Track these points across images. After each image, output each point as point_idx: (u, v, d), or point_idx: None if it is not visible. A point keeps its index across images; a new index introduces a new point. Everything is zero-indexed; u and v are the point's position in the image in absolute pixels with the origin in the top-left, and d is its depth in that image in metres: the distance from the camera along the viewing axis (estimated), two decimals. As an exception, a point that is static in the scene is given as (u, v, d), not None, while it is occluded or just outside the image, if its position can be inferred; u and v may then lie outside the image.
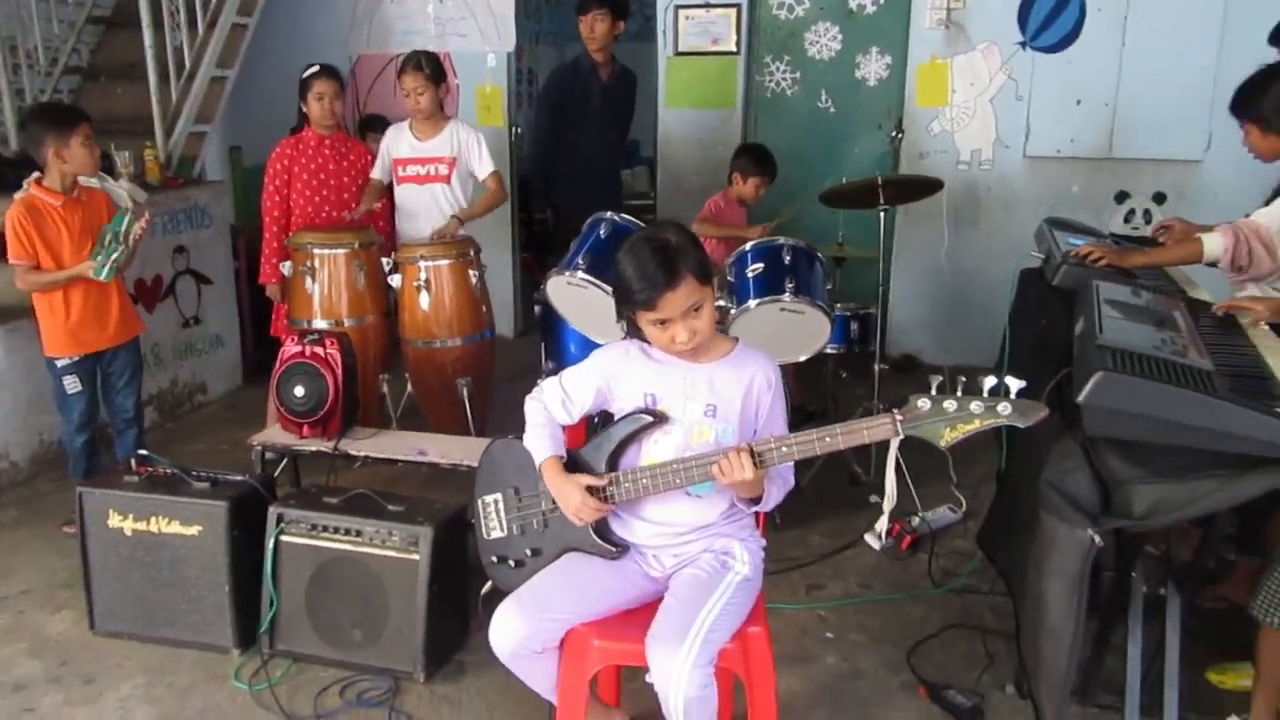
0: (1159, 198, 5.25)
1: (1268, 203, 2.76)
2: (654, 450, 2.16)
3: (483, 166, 4.32)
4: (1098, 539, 1.83)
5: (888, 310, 4.19)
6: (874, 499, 3.88)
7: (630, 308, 2.08)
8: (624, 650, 2.07)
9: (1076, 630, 1.87)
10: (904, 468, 3.81)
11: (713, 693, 1.96)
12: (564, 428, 2.28)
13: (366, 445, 3.51)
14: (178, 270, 4.83)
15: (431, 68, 4.13)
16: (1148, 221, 5.20)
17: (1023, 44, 5.28)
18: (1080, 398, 1.79)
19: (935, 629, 3.02)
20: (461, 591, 2.90)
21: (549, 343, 4.16)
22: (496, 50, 5.97)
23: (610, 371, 2.22)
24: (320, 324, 3.96)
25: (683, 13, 5.66)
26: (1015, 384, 1.79)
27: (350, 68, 6.16)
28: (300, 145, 4.20)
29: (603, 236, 3.47)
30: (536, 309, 4.21)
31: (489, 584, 2.53)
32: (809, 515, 3.68)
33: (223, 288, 5.14)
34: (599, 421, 2.38)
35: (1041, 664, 1.96)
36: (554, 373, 4.38)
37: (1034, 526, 2.02)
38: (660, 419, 2.14)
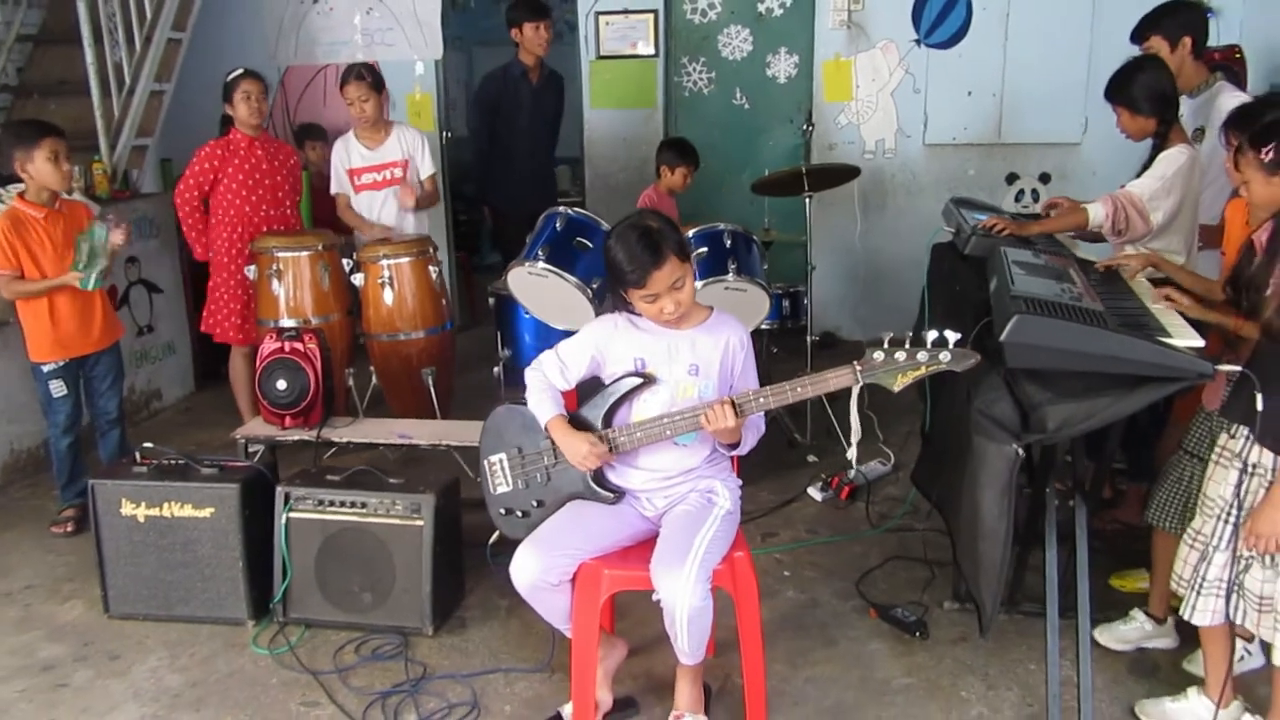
0: (1044, 178, 5.80)
1: (1138, 175, 3.22)
2: (644, 407, 2.50)
3: (425, 167, 4.59)
4: (1020, 452, 2.24)
5: (814, 290, 4.58)
6: (811, 459, 4.29)
7: (623, 287, 2.41)
8: (631, 576, 2.40)
9: (1008, 528, 2.27)
10: (837, 424, 4.25)
11: (710, 605, 2.31)
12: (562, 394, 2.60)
13: (347, 432, 3.76)
14: (131, 280, 4.96)
15: (372, 77, 4.39)
16: (1036, 199, 5.74)
17: (917, 41, 5.77)
18: (1002, 337, 2.19)
19: (878, 562, 3.43)
20: (458, 554, 3.19)
21: (504, 332, 4.46)
22: (425, 58, 6.20)
23: (602, 341, 2.54)
24: (287, 323, 4.17)
25: (603, 18, 5.99)
26: (953, 336, 2.18)
27: (279, 79, 6.31)
28: (230, 148, 4.29)
29: (559, 229, 3.79)
30: (490, 301, 4.51)
31: (495, 535, 2.82)
32: (756, 475, 4.05)
33: (172, 296, 5.28)
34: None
35: (980, 562, 2.36)
36: (510, 360, 4.70)
37: (966, 452, 2.41)
38: (649, 379, 2.48)
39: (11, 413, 4.24)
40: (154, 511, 3.05)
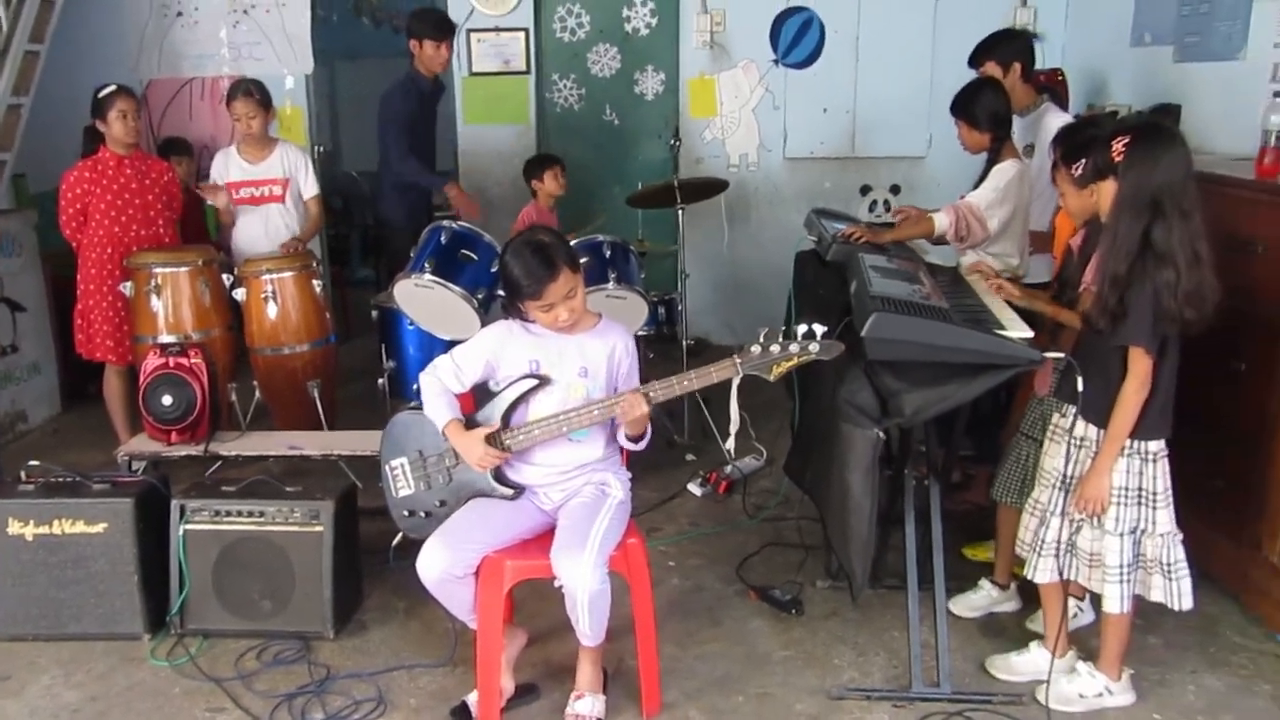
0: (895, 189, 6.21)
1: (975, 186, 3.57)
2: (538, 407, 2.66)
3: (309, 188, 4.63)
4: (881, 435, 2.51)
5: (688, 297, 4.83)
6: (690, 457, 4.53)
7: (520, 299, 2.57)
8: (533, 565, 2.56)
9: (873, 504, 2.54)
10: (713, 425, 4.49)
11: (608, 588, 2.50)
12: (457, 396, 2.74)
13: (236, 446, 3.79)
14: (-8, 299, 4.82)
15: (260, 93, 4.41)
16: (888, 209, 6.14)
17: (776, 61, 6.11)
18: (863, 332, 2.45)
19: (756, 548, 3.67)
20: (356, 559, 3.27)
21: (388, 344, 4.53)
22: (294, 72, 6.20)
23: (497, 346, 2.69)
24: (166, 339, 4.14)
25: (474, 36, 6.12)
26: (820, 329, 2.43)
27: (142, 92, 6.19)
28: (99, 168, 4.24)
29: (444, 242, 3.91)
30: (373, 313, 4.57)
31: (398, 537, 2.93)
32: (638, 474, 4.15)
33: (36, 315, 5.14)
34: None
35: (850, 536, 2.61)
36: (395, 371, 4.77)
37: (834, 439, 2.66)
38: (544, 380, 2.65)
39: None
40: (43, 529, 3.03)
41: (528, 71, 6.19)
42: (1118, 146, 2.46)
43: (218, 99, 6.28)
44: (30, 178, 6.12)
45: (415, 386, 4.31)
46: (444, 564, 2.52)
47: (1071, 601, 3.00)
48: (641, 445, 2.68)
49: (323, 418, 4.27)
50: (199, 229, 5.47)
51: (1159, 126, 2.65)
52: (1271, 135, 3.27)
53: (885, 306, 2.49)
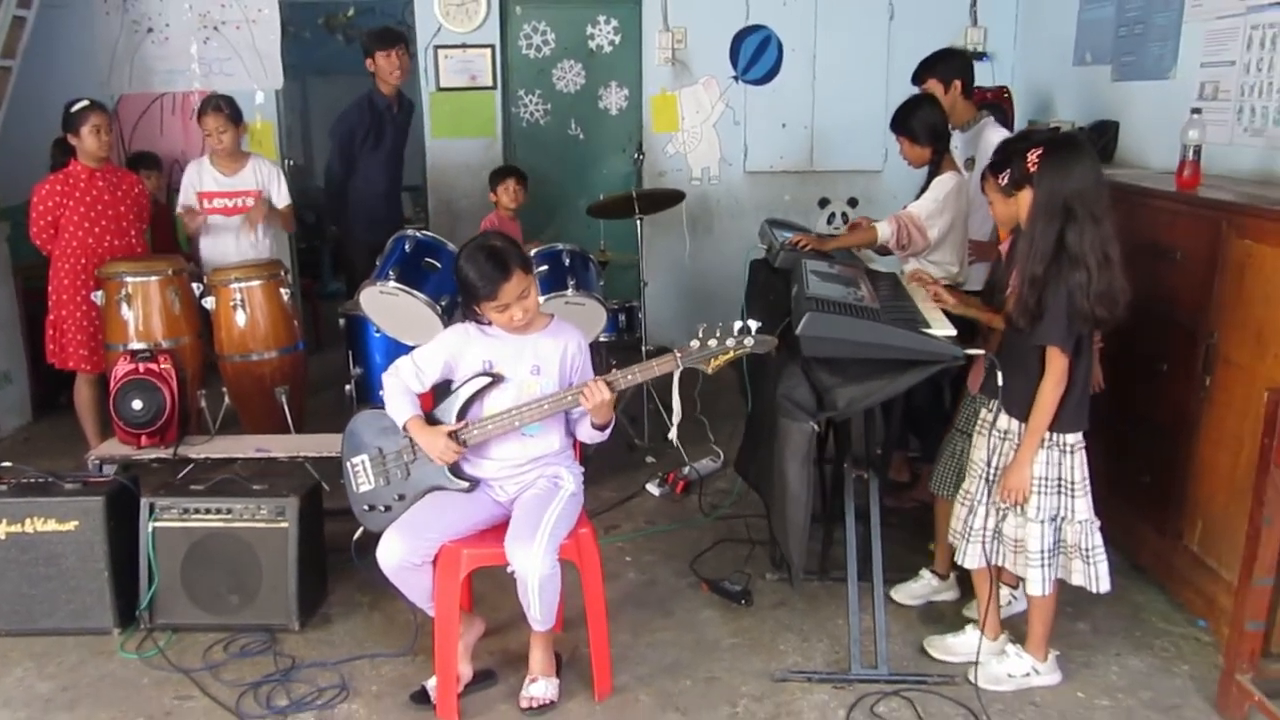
0: (852, 201, 6.40)
1: (917, 197, 3.74)
2: (493, 404, 2.80)
3: (280, 198, 4.75)
4: (817, 428, 2.66)
5: (646, 305, 4.98)
6: (649, 459, 4.66)
7: (476, 301, 2.71)
8: (487, 554, 2.69)
9: (809, 492, 2.68)
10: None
11: (558, 574, 2.63)
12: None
13: (205, 449, 3.90)
14: (-37, 310, 4.90)
15: (230, 109, 4.53)
16: (845, 221, 6.31)
17: (735, 78, 6.29)
18: (797, 330, 2.60)
19: (709, 544, 3.81)
20: (321, 555, 3.39)
21: (355, 351, 4.65)
22: (265, 87, 6.32)
23: (455, 347, 2.83)
24: (136, 347, 4.24)
25: (442, 52, 6.26)
26: (754, 324, 2.58)
27: (114, 107, 6.28)
28: (70, 181, 4.34)
29: (408, 251, 4.04)
30: (341, 322, 4.69)
31: (359, 531, 3.05)
32: (599, 476, 4.37)
33: (6, 325, 5.22)
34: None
35: (788, 523, 2.75)
36: (362, 377, 4.89)
37: (774, 433, 2.81)
38: (497, 379, 2.78)
39: None
40: (15, 528, 3.13)
41: (494, 87, 6.34)
42: (1032, 157, 2.64)
43: (188, 114, 6.38)
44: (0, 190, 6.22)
45: (382, 392, 4.47)
46: (401, 553, 2.65)
47: (1005, 590, 3.16)
48: (606, 435, 2.81)
49: (290, 422, 4.38)
50: (168, 240, 5.57)
51: (1071, 138, 2.83)
52: (1189, 149, 3.47)
53: (819, 307, 2.65)
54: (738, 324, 2.58)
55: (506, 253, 2.69)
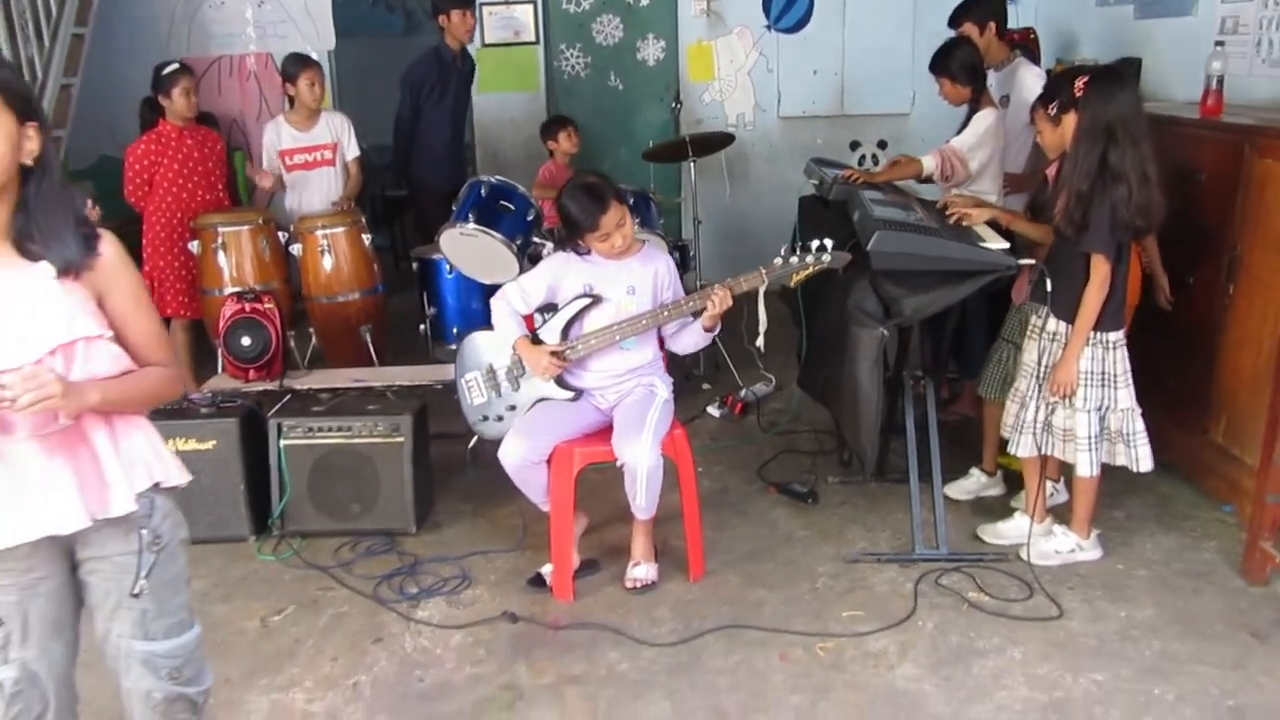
0: (882, 144, 6.69)
1: (958, 133, 4.04)
2: (592, 322, 3.14)
3: (351, 150, 5.06)
4: (885, 333, 3.00)
5: (700, 242, 5.31)
6: (706, 386, 5.01)
7: (579, 233, 3.03)
8: (597, 451, 3.05)
9: (879, 391, 3.03)
10: (729, 359, 4.97)
11: (661, 465, 2.99)
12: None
13: (306, 381, 4.24)
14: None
15: (319, 66, 4.86)
16: (875, 163, 6.61)
17: (768, 27, 6.56)
18: (868, 247, 2.93)
19: (771, 455, 4.17)
20: (428, 467, 3.75)
21: (428, 293, 4.98)
22: (317, 48, 6.56)
23: (557, 272, 3.17)
24: (232, 291, 4.58)
25: (487, 9, 6.53)
26: (829, 242, 2.91)
27: (173, 71, 6.57)
28: (162, 140, 4.69)
29: (483, 194, 4.35)
30: (414, 265, 5.01)
31: (474, 440, 3.40)
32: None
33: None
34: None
35: (860, 420, 3.10)
36: (436, 317, 5.22)
37: (844, 342, 3.15)
38: (597, 300, 3.12)
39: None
40: (160, 447, 3.48)
41: (537, 42, 6.62)
42: (1078, 85, 2.94)
43: (245, 76, 6.70)
44: (70, 154, 6.54)
45: (454, 330, 4.83)
46: (522, 452, 3.01)
47: (1050, 484, 3.51)
48: (709, 340, 3.15)
49: (374, 358, 4.73)
50: (232, 194, 5.90)
51: (1112, 69, 3.14)
52: (1213, 80, 3.76)
53: (887, 226, 2.97)
54: (815, 242, 2.91)
55: (602, 188, 3.01)
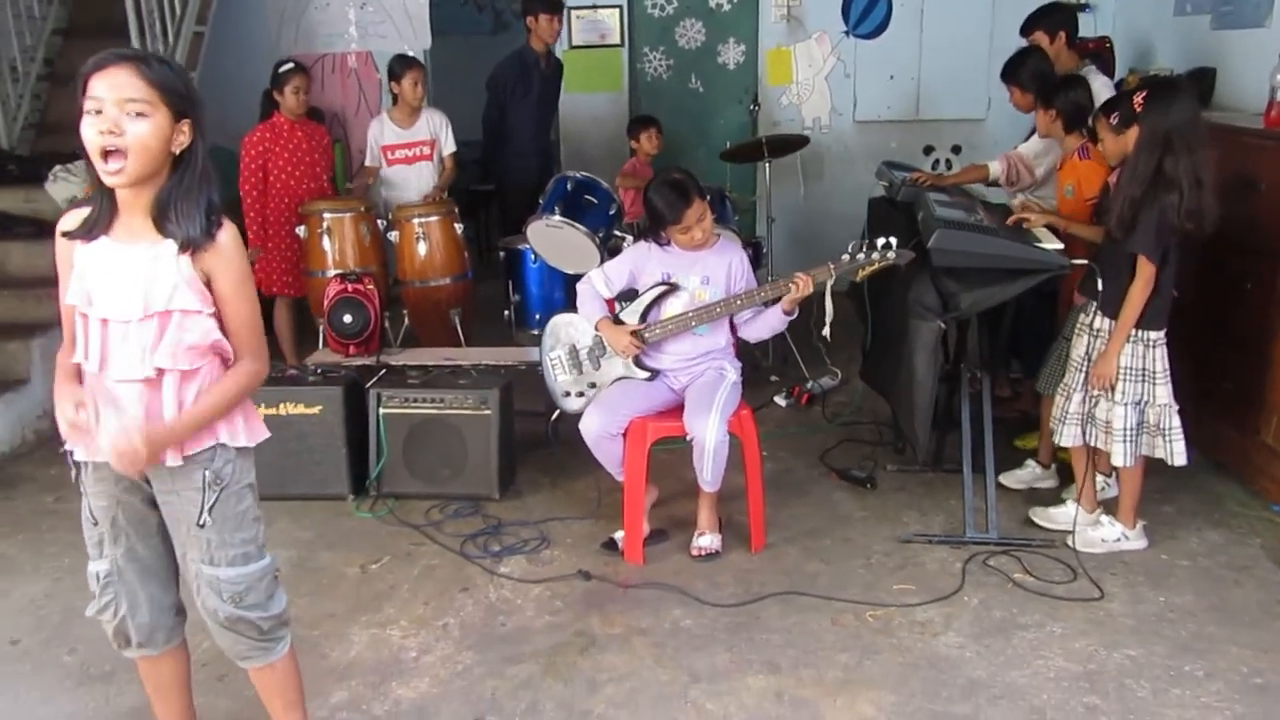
0: (956, 149, 6.83)
1: (1026, 139, 4.21)
2: (669, 308, 3.40)
3: (447, 145, 5.39)
4: (943, 325, 3.20)
5: (773, 240, 5.53)
6: (773, 378, 5.23)
7: (662, 225, 3.29)
8: (669, 426, 3.31)
9: (934, 380, 3.23)
10: (796, 353, 5.19)
11: (728, 442, 3.22)
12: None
13: (402, 358, 4.58)
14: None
15: (423, 67, 5.22)
16: (949, 168, 6.76)
17: (847, 33, 6.75)
18: (929, 245, 3.13)
19: (834, 444, 4.38)
20: (512, 440, 4.04)
21: (513, 281, 5.29)
22: (414, 48, 6.94)
23: (639, 260, 3.43)
24: (333, 273, 4.94)
25: (575, 13, 6.83)
26: (894, 240, 3.12)
27: (279, 67, 7.00)
28: (274, 131, 5.07)
29: (569, 189, 4.64)
30: (501, 255, 5.33)
31: (555, 414, 3.68)
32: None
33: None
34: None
35: (915, 406, 3.30)
36: (520, 304, 5.51)
37: (904, 334, 3.35)
38: (674, 287, 3.38)
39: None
40: (271, 410, 3.82)
41: (622, 44, 6.90)
42: (1138, 99, 3.11)
43: (345, 73, 7.10)
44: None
45: (536, 316, 5.13)
46: (601, 424, 3.28)
47: (1101, 478, 3.66)
48: (784, 326, 3.36)
49: (462, 339, 5.06)
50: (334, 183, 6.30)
51: (1170, 82, 3.30)
52: (1277, 91, 3.87)
53: (947, 225, 3.18)
54: (880, 240, 3.13)
55: (687, 184, 3.27)
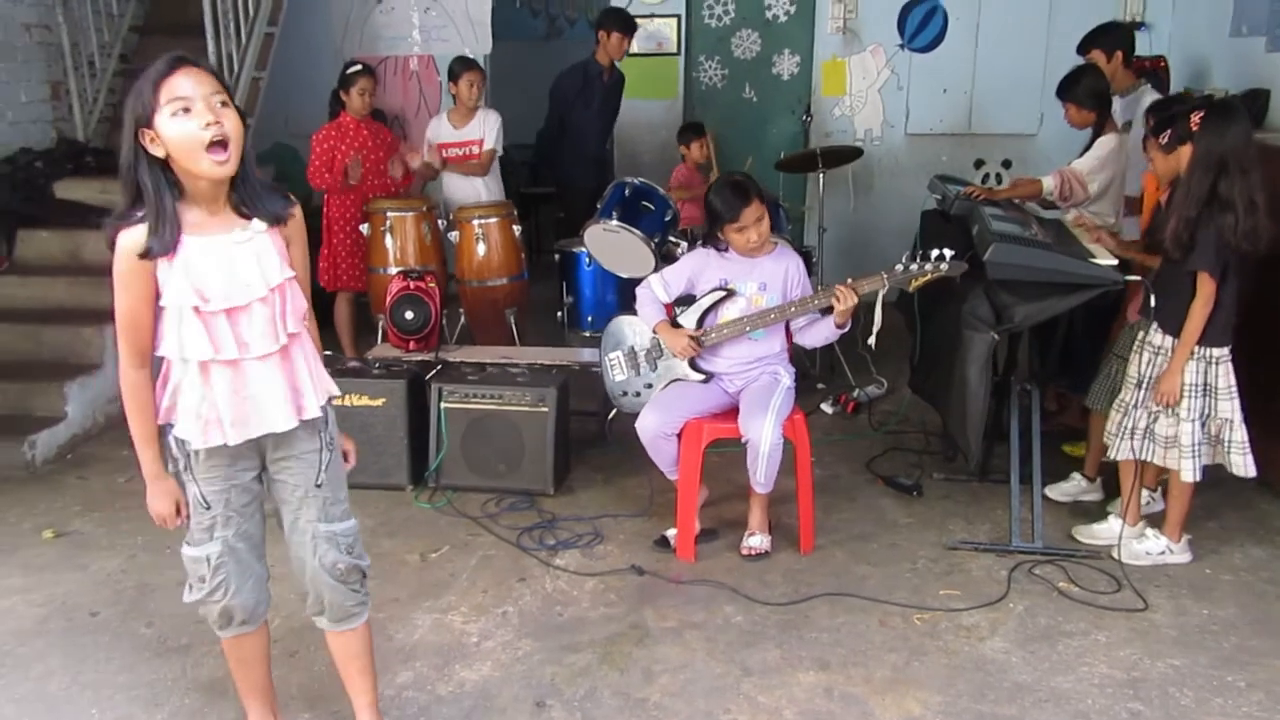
0: (1006, 163, 6.87)
1: (1080, 155, 4.26)
2: (726, 313, 3.49)
3: (489, 141, 5.49)
4: (996, 337, 3.27)
5: (823, 250, 5.61)
6: (820, 386, 5.31)
7: (720, 224, 3.39)
8: (724, 428, 3.40)
9: (987, 390, 3.30)
10: (843, 361, 5.26)
11: (781, 444, 3.31)
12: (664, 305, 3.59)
13: (459, 354, 4.71)
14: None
15: (480, 69, 5.36)
16: (999, 182, 6.79)
17: (902, 46, 6.81)
18: (985, 257, 3.20)
19: (880, 451, 4.45)
20: (567, 437, 4.16)
21: (567, 283, 5.40)
22: (476, 52, 7.10)
23: (698, 266, 3.53)
24: (394, 271, 5.08)
25: (633, 21, 6.95)
26: (949, 252, 3.20)
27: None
28: (341, 129, 5.24)
29: (626, 195, 4.74)
30: (556, 257, 5.45)
31: (613, 412, 3.79)
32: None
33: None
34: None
35: (968, 416, 3.37)
36: (573, 305, 5.62)
37: (957, 345, 3.42)
38: (731, 293, 3.48)
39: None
40: (338, 401, 3.96)
41: (678, 53, 7.02)
42: (1194, 119, 3.16)
43: (408, 75, 7.27)
44: (253, 140, 7.21)
45: (589, 318, 5.25)
46: (657, 424, 3.38)
47: (1145, 492, 3.70)
48: (838, 335, 3.44)
49: (517, 338, 5.18)
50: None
51: (1226, 104, 3.33)
52: (1330, 114, 3.89)
53: (1003, 239, 3.25)
54: (934, 251, 3.21)
55: (747, 185, 3.37)
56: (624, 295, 5.27)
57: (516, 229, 5.25)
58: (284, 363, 2.14)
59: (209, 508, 2.21)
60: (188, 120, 1.94)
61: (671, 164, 5.99)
